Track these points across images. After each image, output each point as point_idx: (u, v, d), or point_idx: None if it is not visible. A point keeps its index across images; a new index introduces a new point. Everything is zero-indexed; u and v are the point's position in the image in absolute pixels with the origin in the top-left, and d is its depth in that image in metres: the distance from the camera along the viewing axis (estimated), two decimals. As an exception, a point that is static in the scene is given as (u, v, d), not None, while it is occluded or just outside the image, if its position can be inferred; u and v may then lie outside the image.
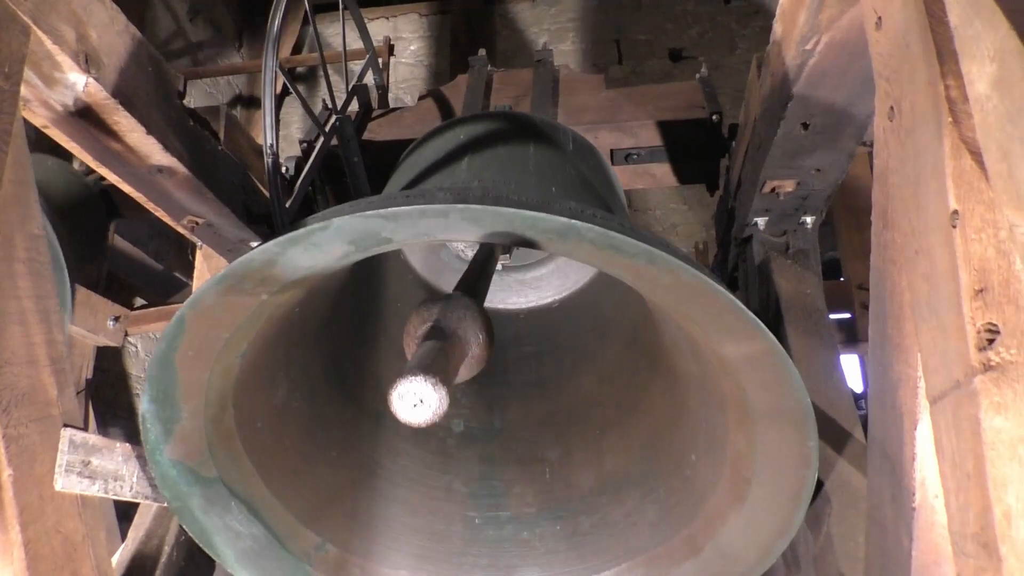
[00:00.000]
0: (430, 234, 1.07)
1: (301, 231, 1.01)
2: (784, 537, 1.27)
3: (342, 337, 1.74)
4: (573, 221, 0.96)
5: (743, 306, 1.04)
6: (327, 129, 2.19)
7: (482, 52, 2.86)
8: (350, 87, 2.47)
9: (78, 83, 1.43)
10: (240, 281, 1.08)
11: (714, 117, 2.37)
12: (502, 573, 1.56)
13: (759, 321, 1.04)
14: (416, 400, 0.94)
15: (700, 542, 1.38)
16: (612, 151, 2.47)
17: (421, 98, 2.78)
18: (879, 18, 1.10)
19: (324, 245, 1.04)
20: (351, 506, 1.57)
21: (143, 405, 1.13)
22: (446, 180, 1.57)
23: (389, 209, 0.98)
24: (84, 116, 1.51)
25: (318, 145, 2.11)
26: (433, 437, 1.70)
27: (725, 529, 1.34)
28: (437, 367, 0.97)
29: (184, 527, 1.31)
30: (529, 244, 1.08)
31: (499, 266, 2.05)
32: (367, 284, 1.85)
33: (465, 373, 1.11)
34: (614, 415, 1.66)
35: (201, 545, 1.32)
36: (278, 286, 1.12)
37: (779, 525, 1.26)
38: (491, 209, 0.99)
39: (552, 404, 1.78)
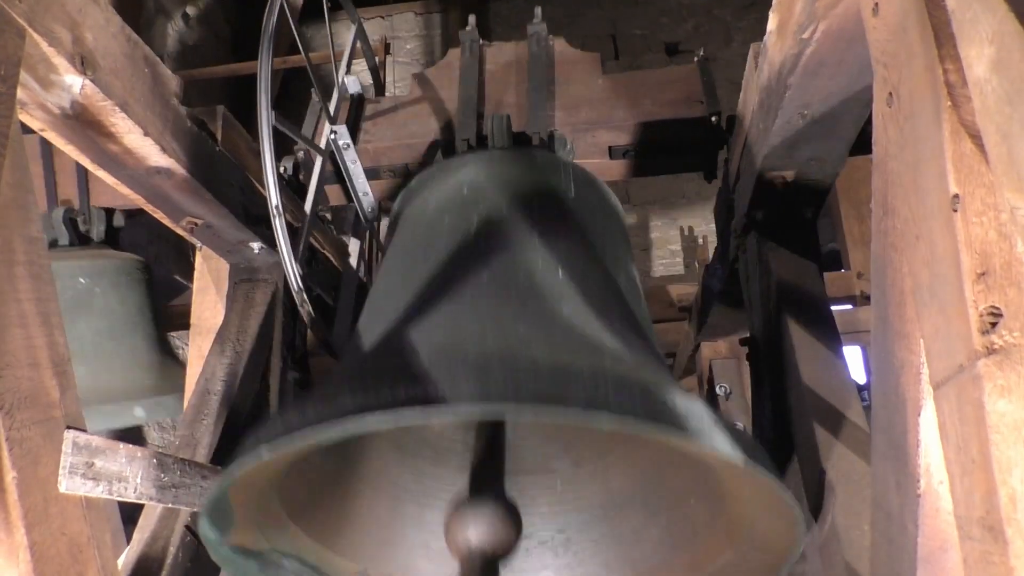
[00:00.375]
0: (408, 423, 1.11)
1: (241, 464, 1.02)
2: (779, 571, 1.32)
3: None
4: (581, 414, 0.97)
5: (785, 492, 1.05)
6: (323, 143, 2.20)
7: (471, 25, 2.79)
8: (340, 89, 2.46)
9: (74, 85, 1.43)
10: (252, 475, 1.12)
11: (713, 118, 2.36)
12: None
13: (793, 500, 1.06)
14: None
15: (701, 566, 1.43)
16: (610, 148, 2.47)
17: (414, 76, 2.73)
18: (876, 4, 1.09)
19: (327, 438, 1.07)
20: (385, 532, 1.63)
21: (202, 527, 1.18)
22: (444, 291, 1.53)
23: (393, 415, 0.96)
24: (81, 119, 1.51)
25: (314, 177, 2.13)
26: (452, 453, 1.71)
27: (720, 561, 1.38)
28: None
29: None
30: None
31: None
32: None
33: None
34: (618, 438, 1.67)
35: None
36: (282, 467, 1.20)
37: (769, 566, 1.31)
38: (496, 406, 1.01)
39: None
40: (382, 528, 1.62)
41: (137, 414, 2.76)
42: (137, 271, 3.06)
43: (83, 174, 2.83)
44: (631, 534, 1.56)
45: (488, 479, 1.25)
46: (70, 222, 2.89)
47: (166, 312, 3.63)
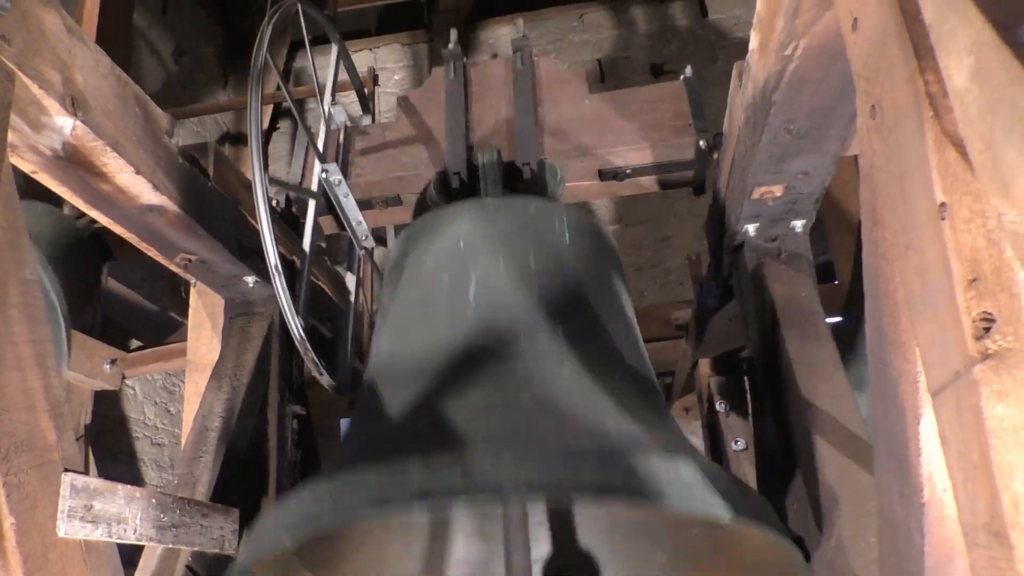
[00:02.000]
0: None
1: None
2: None
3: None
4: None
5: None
6: (314, 185, 2.22)
7: (452, 42, 2.75)
8: (327, 121, 2.47)
9: (65, 127, 1.44)
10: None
11: (701, 143, 2.37)
12: None
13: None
14: None
15: None
16: (600, 171, 2.48)
17: (400, 99, 2.73)
18: (855, 19, 1.11)
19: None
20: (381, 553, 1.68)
21: None
22: (445, 370, 1.55)
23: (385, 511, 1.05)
24: (73, 159, 1.52)
25: (309, 218, 2.14)
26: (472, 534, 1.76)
27: None
28: None
29: None
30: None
31: None
32: None
33: None
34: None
35: None
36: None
37: None
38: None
39: None
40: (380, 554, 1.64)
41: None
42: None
43: None
44: (638, 559, 1.56)
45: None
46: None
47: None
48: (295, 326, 1.76)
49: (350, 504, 0.99)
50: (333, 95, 2.57)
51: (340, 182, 2.27)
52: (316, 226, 2.17)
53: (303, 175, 2.45)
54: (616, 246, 2.06)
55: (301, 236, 2.17)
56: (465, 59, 2.69)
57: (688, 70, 2.63)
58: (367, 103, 2.94)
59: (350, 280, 2.48)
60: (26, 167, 1.48)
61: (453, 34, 2.77)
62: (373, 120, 2.99)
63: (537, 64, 2.67)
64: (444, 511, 1.10)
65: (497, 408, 1.30)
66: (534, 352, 1.46)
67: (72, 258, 3.11)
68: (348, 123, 2.64)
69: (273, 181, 1.73)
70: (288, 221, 2.42)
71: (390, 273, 1.95)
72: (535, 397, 1.33)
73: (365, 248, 2.51)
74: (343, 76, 2.74)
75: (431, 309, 1.65)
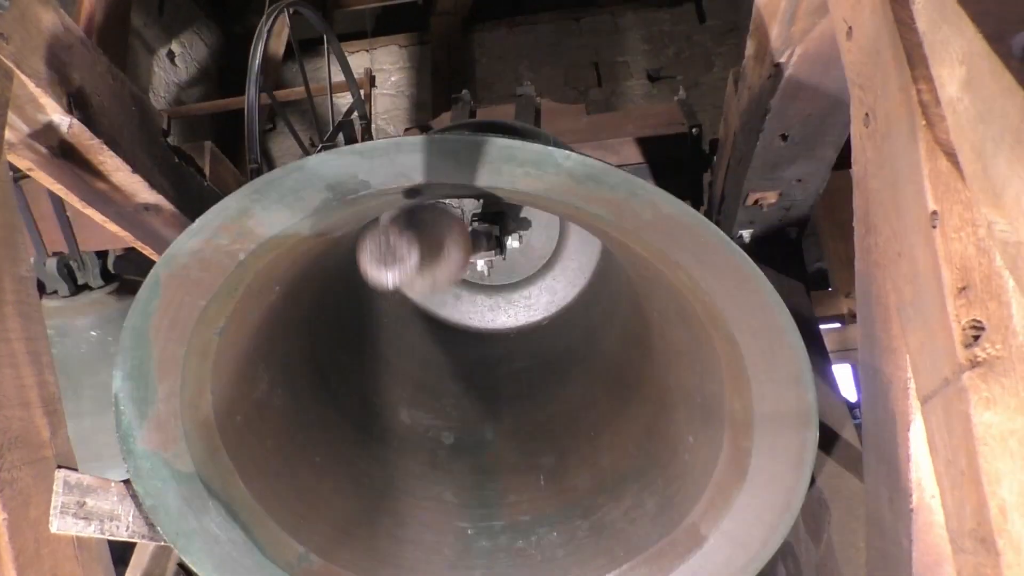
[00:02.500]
0: (407, 175, 1.02)
1: (276, 171, 0.97)
2: (790, 511, 1.23)
3: (326, 339, 1.71)
4: (551, 149, 0.95)
5: (721, 232, 1.02)
6: None
7: (466, 92, 2.92)
8: (335, 122, 2.49)
9: (62, 125, 1.44)
10: (215, 233, 1.02)
11: (693, 130, 2.40)
12: None
13: (737, 247, 1.03)
14: (388, 254, 0.88)
15: (704, 530, 1.35)
16: (595, 171, 2.49)
17: (406, 130, 2.82)
18: (849, 28, 1.12)
19: (300, 191, 0.99)
20: (336, 515, 1.51)
21: (115, 383, 1.07)
22: None
23: (363, 144, 0.96)
24: (69, 157, 1.52)
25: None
26: (422, 449, 1.68)
27: (729, 511, 1.30)
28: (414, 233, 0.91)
29: (158, 527, 1.24)
30: (507, 184, 1.03)
31: (487, 276, 2.06)
32: (356, 290, 1.83)
33: (446, 272, 1.02)
34: (608, 413, 1.65)
35: (176, 549, 1.25)
36: (255, 242, 1.06)
37: (783, 496, 1.22)
38: (466, 140, 0.97)
39: (545, 413, 1.77)
40: (340, 513, 1.52)
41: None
42: None
43: (65, 220, 2.80)
44: (624, 517, 1.50)
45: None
46: (65, 270, 2.89)
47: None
48: None
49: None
50: (355, 102, 2.59)
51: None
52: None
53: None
54: None
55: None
56: (472, 103, 2.79)
57: (681, 91, 2.67)
58: (360, 97, 2.95)
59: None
60: (23, 165, 1.48)
61: (465, 93, 2.89)
62: (369, 122, 3.01)
63: (540, 102, 2.77)
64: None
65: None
66: None
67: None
68: (350, 121, 2.65)
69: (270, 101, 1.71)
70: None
71: None
72: None
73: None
74: (340, 76, 2.74)
75: None
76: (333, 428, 1.61)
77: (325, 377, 1.66)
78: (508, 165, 0.99)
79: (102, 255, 2.99)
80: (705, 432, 1.35)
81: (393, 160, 0.98)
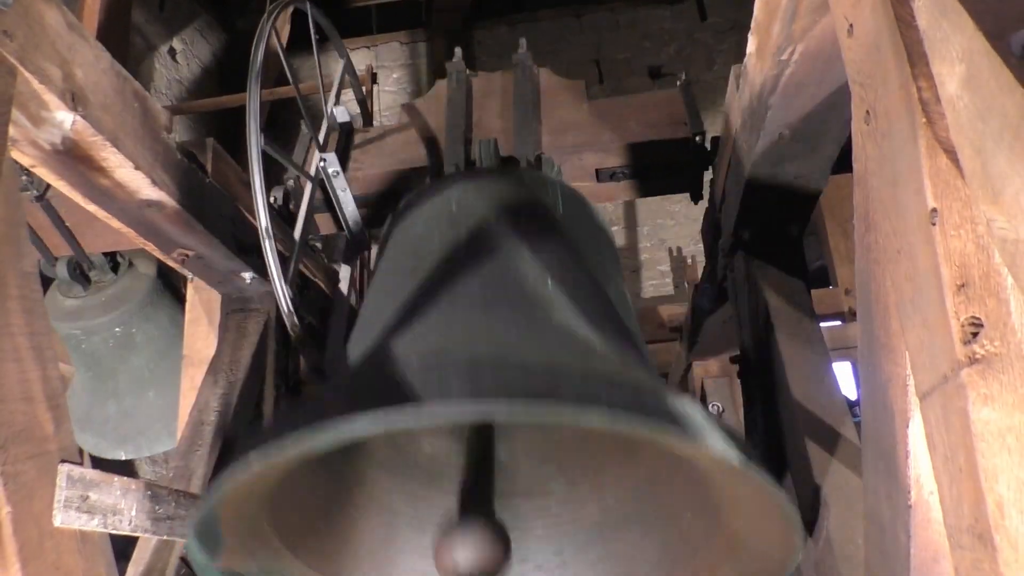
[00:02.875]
0: (394, 429, 1.09)
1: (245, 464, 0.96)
2: None
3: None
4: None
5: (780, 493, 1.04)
6: (312, 171, 2.22)
7: (458, 55, 2.84)
8: (329, 119, 2.49)
9: (65, 121, 1.44)
10: (249, 477, 1.07)
11: (697, 138, 2.39)
12: None
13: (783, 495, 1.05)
14: None
15: None
16: (597, 170, 2.50)
17: (403, 106, 2.77)
18: (850, 25, 1.12)
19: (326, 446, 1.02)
20: (379, 557, 1.59)
21: (189, 543, 1.13)
22: (433, 302, 1.52)
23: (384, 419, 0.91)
24: (72, 154, 1.52)
25: (304, 202, 2.14)
26: (445, 477, 1.69)
27: (719, 574, 1.36)
28: None
29: None
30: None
31: None
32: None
33: None
34: (613, 453, 1.66)
35: None
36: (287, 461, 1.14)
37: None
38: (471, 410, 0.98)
39: (554, 437, 1.77)
40: (375, 553, 1.58)
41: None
42: (155, 293, 3.12)
43: (65, 228, 2.80)
44: (628, 553, 1.54)
45: (477, 499, 1.24)
46: (77, 271, 2.93)
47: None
48: (280, 289, 1.73)
49: (318, 422, 0.88)
50: (337, 98, 2.58)
51: (338, 174, 2.28)
52: (311, 210, 2.18)
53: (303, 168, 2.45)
54: (609, 228, 2.06)
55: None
56: (468, 71, 2.75)
57: (683, 76, 2.65)
58: (366, 105, 2.96)
59: (344, 271, 2.48)
60: (26, 161, 1.48)
61: (458, 52, 2.84)
62: (371, 119, 3.01)
63: (538, 74, 2.72)
64: (414, 422, 0.99)
65: (479, 341, 1.28)
66: (522, 294, 1.44)
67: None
68: (349, 121, 2.65)
69: (268, 143, 1.73)
70: (284, 218, 2.43)
71: (382, 244, 1.94)
72: (520, 333, 1.32)
73: (360, 246, 2.52)
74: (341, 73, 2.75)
75: (418, 262, 1.60)
76: (372, 481, 1.64)
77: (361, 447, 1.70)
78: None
79: (110, 254, 3.03)
80: (701, 520, 1.39)
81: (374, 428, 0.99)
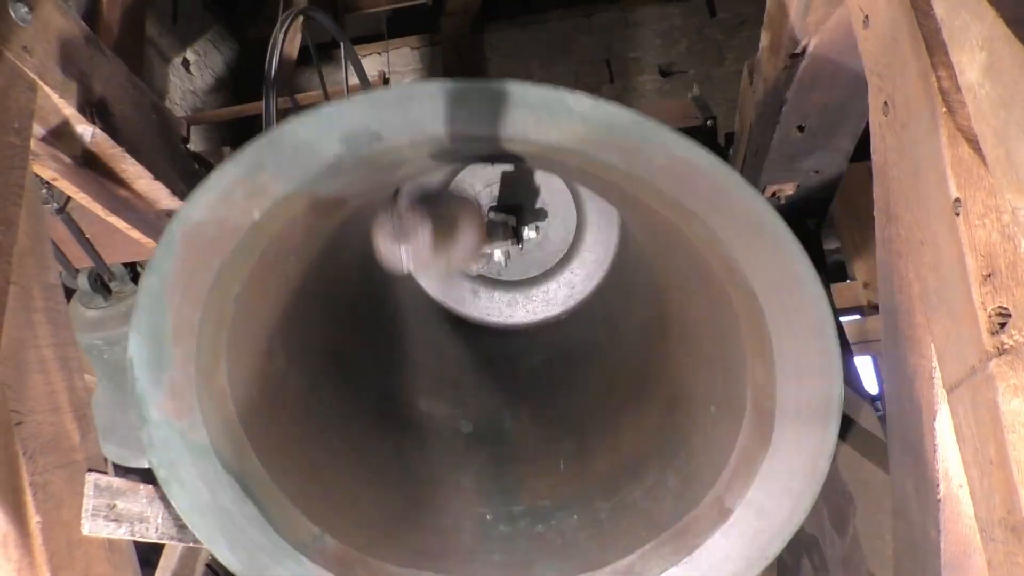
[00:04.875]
0: (419, 124, 1.00)
1: (287, 122, 0.95)
2: (817, 475, 1.16)
3: (344, 324, 1.68)
4: (563, 92, 0.93)
5: (737, 174, 0.98)
6: None
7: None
8: None
9: (85, 134, 1.46)
10: (229, 190, 1.00)
11: (708, 122, 2.39)
12: (519, 569, 1.48)
13: (754, 189, 0.99)
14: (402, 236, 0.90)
15: (728, 502, 1.30)
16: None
17: None
18: (866, 16, 1.12)
19: (313, 143, 0.97)
20: (352, 498, 1.48)
21: (130, 345, 1.05)
22: None
23: (374, 93, 0.94)
24: (92, 166, 1.54)
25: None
26: (439, 437, 1.67)
27: (754, 480, 1.25)
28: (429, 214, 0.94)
29: (170, 500, 1.21)
30: (520, 133, 1.01)
31: (505, 270, 2.04)
32: (374, 280, 1.82)
33: (460, 254, 1.05)
34: (628, 398, 1.63)
35: (189, 525, 1.22)
36: (270, 200, 1.04)
37: (810, 459, 1.15)
38: (478, 84, 0.95)
39: (564, 403, 1.76)
40: (356, 495, 1.50)
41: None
42: None
43: (85, 239, 2.82)
44: (646, 496, 1.46)
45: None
46: (98, 282, 2.95)
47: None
48: None
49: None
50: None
51: None
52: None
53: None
54: None
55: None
56: None
57: (695, 88, 2.65)
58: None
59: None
60: (47, 175, 1.50)
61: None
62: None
63: None
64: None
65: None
66: None
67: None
68: None
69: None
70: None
71: None
72: None
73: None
74: (353, 79, 2.76)
75: None
76: (349, 413, 1.59)
77: (342, 361, 1.64)
78: (520, 111, 0.96)
79: (130, 265, 3.06)
80: (726, 399, 1.30)
81: (405, 109, 0.96)
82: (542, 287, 2.16)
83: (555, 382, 1.86)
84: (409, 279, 2.06)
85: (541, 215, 1.99)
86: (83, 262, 2.67)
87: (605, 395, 1.73)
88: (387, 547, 1.44)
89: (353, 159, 1.01)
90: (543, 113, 0.97)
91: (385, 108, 0.96)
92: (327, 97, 2.48)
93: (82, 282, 2.93)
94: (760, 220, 1.01)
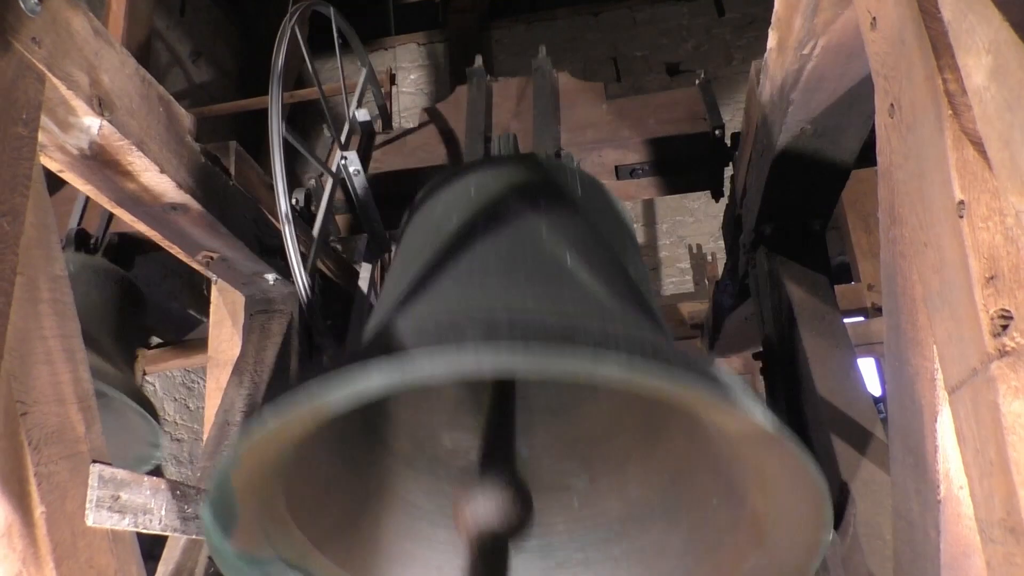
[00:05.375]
0: (415, 382, 0.98)
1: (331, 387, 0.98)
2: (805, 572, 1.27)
3: (382, 409, 1.75)
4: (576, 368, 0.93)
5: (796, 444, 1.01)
6: (333, 169, 2.24)
7: (479, 61, 2.88)
8: (351, 122, 2.51)
9: (92, 127, 1.46)
10: (283, 425, 1.07)
11: (716, 132, 2.39)
12: None
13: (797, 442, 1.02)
14: None
15: (724, 573, 1.38)
16: (617, 167, 2.50)
17: (424, 110, 2.81)
18: (873, 18, 1.12)
19: (356, 393, 1.01)
20: (396, 551, 1.58)
21: (204, 513, 1.14)
22: (451, 273, 1.51)
23: (421, 363, 0.89)
24: (99, 159, 1.55)
25: (324, 197, 2.16)
26: (465, 472, 1.69)
27: (745, 567, 1.33)
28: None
29: None
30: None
31: None
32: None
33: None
34: (636, 444, 1.65)
35: None
36: (312, 424, 1.15)
37: (798, 563, 1.27)
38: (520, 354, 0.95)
39: (575, 430, 1.77)
40: (392, 547, 1.58)
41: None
42: (112, 283, 3.05)
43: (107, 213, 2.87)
44: (652, 547, 1.53)
45: (498, 456, 1.22)
46: (78, 236, 2.95)
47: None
48: (299, 277, 1.75)
49: (364, 375, 0.86)
50: (360, 100, 2.60)
51: (359, 172, 2.30)
52: (331, 206, 2.19)
53: (322, 172, 2.47)
54: (628, 214, 2.07)
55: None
56: (489, 76, 2.78)
57: (702, 73, 2.65)
58: (387, 110, 2.98)
59: (364, 270, 2.49)
60: (53, 166, 1.51)
61: (478, 59, 2.88)
62: (390, 120, 3.03)
63: (557, 77, 2.74)
64: (430, 369, 0.95)
65: (497, 305, 1.27)
66: (541, 266, 1.43)
67: (118, 305, 3.13)
68: (370, 121, 2.68)
69: (289, 131, 1.75)
70: (306, 220, 2.45)
71: (401, 230, 1.95)
72: (538, 299, 1.31)
73: (381, 244, 2.54)
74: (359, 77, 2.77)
75: (436, 242, 1.57)
76: (384, 471, 1.64)
77: (375, 428, 1.69)
78: (559, 369, 0.97)
79: (123, 236, 3.05)
80: (727, 503, 1.36)
81: (447, 368, 0.93)
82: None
83: (567, 408, 1.87)
84: None
85: None
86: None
87: (613, 434, 1.75)
88: None
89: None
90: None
91: (430, 369, 0.95)
92: (322, 95, 2.48)
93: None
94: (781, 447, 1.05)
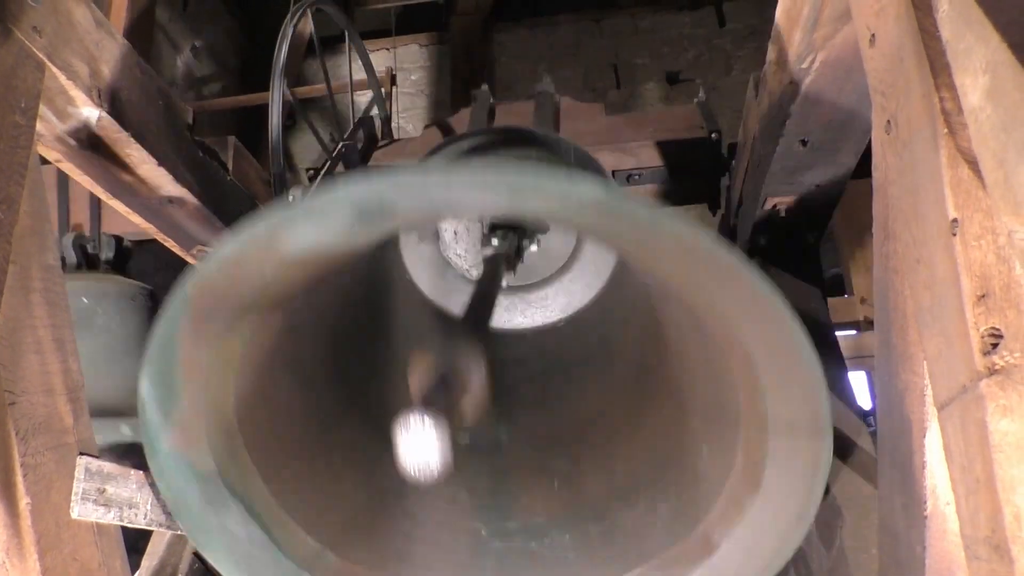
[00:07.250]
0: (432, 204, 1.02)
1: (308, 198, 0.99)
2: (803, 520, 1.20)
3: (347, 342, 1.72)
4: (577, 185, 0.94)
5: (740, 254, 1.00)
6: (334, 155, 2.24)
7: (484, 87, 2.92)
8: (356, 119, 2.52)
9: (91, 117, 1.46)
10: (243, 251, 1.04)
11: (713, 135, 2.40)
12: None
13: (755, 269, 1.01)
14: (421, 454, 0.94)
15: (716, 538, 1.32)
16: (614, 172, 2.50)
17: (426, 127, 2.83)
18: (872, 35, 1.12)
19: (330, 213, 1.01)
20: (353, 515, 1.51)
21: (141, 389, 1.09)
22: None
23: (394, 173, 0.96)
24: (97, 149, 1.54)
25: (324, 170, 2.15)
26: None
27: (741, 521, 1.28)
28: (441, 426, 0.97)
29: (181, 527, 1.25)
30: (531, 210, 1.03)
31: (504, 284, 2.06)
32: (374, 298, 1.85)
33: (467, 417, 1.09)
34: (622, 421, 1.64)
35: (198, 547, 1.24)
36: (282, 260, 1.07)
37: (797, 506, 1.20)
38: (493, 173, 0.97)
39: (559, 418, 1.77)
40: (356, 511, 1.52)
41: (123, 431, 2.79)
42: (141, 297, 3.10)
43: (96, 202, 2.86)
44: (639, 521, 1.50)
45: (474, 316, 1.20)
46: (79, 247, 2.94)
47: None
48: None
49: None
50: (369, 108, 2.61)
51: (357, 164, 2.31)
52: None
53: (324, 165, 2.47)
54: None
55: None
56: (492, 99, 2.81)
57: (701, 93, 2.67)
58: (384, 104, 2.98)
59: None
60: (51, 156, 1.50)
61: (484, 87, 2.92)
62: (390, 119, 3.04)
63: (559, 100, 2.77)
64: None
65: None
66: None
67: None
68: (372, 117, 2.68)
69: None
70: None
71: None
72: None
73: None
74: (361, 74, 2.77)
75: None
76: (352, 429, 1.61)
77: (345, 379, 1.67)
78: (532, 197, 0.99)
79: (119, 239, 3.04)
80: (719, 443, 1.33)
81: (420, 190, 0.99)
82: (540, 293, 2.16)
83: (551, 396, 1.87)
84: (408, 284, 2.08)
85: (542, 226, 2.01)
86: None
87: (599, 415, 1.74)
88: (385, 560, 1.47)
89: (365, 225, 1.03)
90: (556, 200, 0.98)
91: (400, 188, 0.97)
92: (330, 92, 2.48)
93: (65, 241, 2.90)
94: (758, 292, 1.03)
